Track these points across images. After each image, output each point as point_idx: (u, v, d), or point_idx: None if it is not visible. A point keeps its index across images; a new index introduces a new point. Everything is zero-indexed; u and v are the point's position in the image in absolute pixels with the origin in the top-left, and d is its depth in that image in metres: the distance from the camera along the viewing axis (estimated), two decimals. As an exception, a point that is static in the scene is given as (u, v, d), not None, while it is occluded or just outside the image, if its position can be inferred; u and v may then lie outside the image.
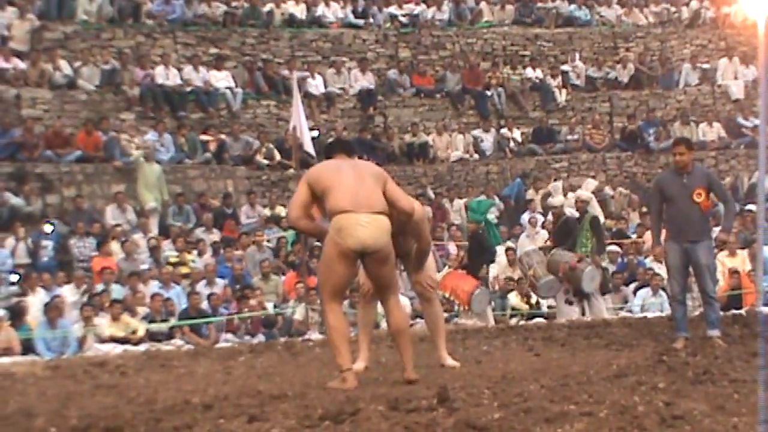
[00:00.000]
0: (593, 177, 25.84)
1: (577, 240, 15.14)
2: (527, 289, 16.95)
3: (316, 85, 25.49)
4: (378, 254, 8.26)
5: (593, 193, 16.11)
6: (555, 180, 24.53)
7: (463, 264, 16.23)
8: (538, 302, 17.42)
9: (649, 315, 15.93)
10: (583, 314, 15.05)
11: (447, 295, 15.12)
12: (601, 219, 16.00)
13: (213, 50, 25.14)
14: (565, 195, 17.52)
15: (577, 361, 9.49)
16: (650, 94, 27.89)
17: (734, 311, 14.95)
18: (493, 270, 19.29)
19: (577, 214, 15.53)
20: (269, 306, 17.90)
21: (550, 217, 18.07)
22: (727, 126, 26.90)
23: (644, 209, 22.79)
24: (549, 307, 17.13)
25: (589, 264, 14.77)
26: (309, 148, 18.29)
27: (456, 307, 15.64)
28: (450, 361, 9.58)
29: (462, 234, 21.64)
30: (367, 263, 8.39)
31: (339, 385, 8.06)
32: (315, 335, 15.47)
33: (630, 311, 17.53)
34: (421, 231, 9.26)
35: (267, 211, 22.19)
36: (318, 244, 19.60)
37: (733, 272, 18.00)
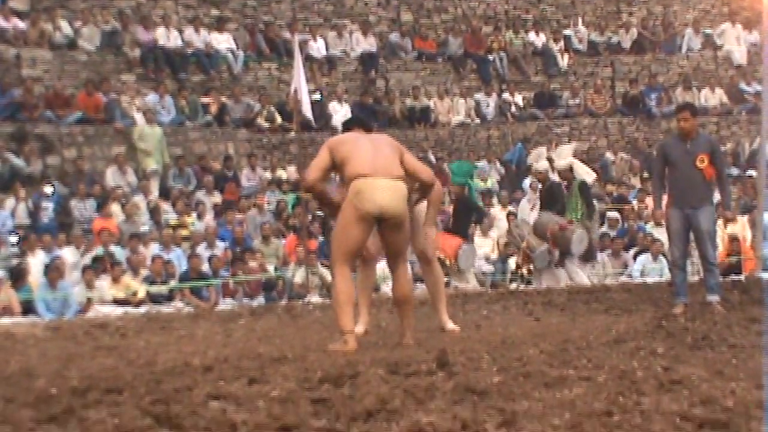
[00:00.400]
0: (594, 141, 25.85)
1: (567, 206, 15.13)
2: (520, 260, 16.91)
3: (317, 48, 25.43)
4: (394, 220, 8.35)
5: (575, 156, 15.93)
6: (556, 145, 24.51)
7: (449, 226, 16.12)
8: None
9: (649, 280, 15.95)
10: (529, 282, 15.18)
11: (440, 255, 15.12)
12: (589, 179, 15.84)
13: (214, 12, 25.07)
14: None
15: (577, 326, 9.51)
16: (652, 59, 27.80)
17: (734, 277, 14.97)
18: (493, 234, 19.31)
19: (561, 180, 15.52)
20: (270, 269, 17.92)
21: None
22: (729, 92, 26.82)
23: (645, 174, 22.81)
24: (529, 272, 17.14)
25: (579, 227, 14.77)
26: (308, 112, 18.26)
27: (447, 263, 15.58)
28: (450, 326, 9.61)
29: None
30: (382, 228, 8.45)
31: (340, 347, 8.10)
32: (315, 298, 15.51)
33: (630, 277, 17.55)
34: (438, 194, 9.45)
35: (268, 174, 22.18)
36: (320, 213, 19.73)
37: (733, 239, 18.00)
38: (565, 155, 15.42)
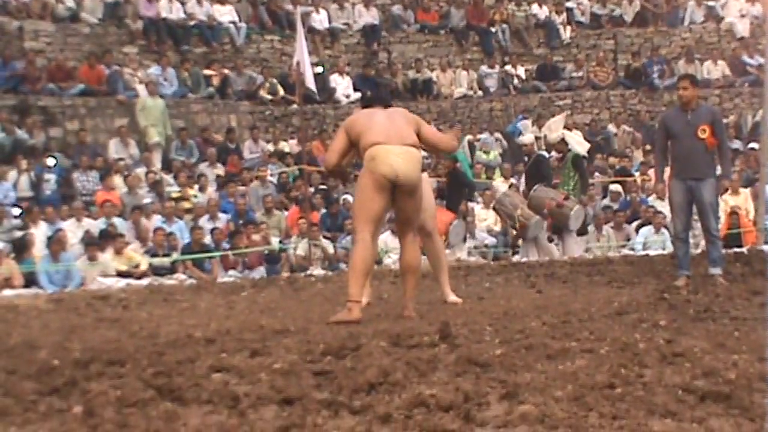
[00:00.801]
0: (597, 114, 25.80)
1: (561, 178, 15.13)
2: (510, 230, 16.89)
3: (320, 20, 25.39)
4: (408, 185, 8.47)
5: (566, 127, 15.88)
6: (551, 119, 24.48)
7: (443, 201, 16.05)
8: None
9: (651, 253, 15.94)
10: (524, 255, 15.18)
11: None
12: (582, 150, 15.80)
13: (217, -16, 25.01)
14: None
15: (579, 299, 9.52)
16: (655, 32, 27.73)
17: (736, 249, 14.96)
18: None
19: (551, 154, 15.50)
20: (274, 241, 17.92)
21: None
22: (732, 64, 26.75)
23: (648, 147, 22.76)
24: (514, 246, 17.19)
25: (576, 202, 14.75)
26: (311, 84, 18.25)
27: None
28: (453, 297, 9.65)
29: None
30: (396, 194, 8.53)
31: (344, 315, 8.18)
32: (317, 271, 15.51)
33: (632, 249, 17.55)
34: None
35: (270, 147, 22.16)
36: (322, 187, 19.74)
37: (733, 212, 17.98)
38: (555, 128, 15.38)
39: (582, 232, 15.71)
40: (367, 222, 8.46)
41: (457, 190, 15.77)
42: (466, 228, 16.43)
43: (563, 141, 15.13)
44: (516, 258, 16.10)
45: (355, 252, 8.51)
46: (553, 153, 15.62)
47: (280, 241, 17.96)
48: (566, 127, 16.17)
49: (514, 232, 16.74)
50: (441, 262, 9.84)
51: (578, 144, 15.76)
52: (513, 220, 15.25)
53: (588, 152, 22.89)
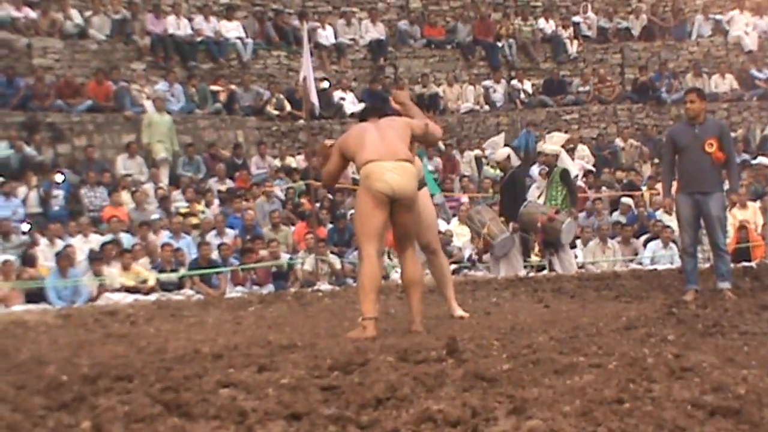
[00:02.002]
0: (604, 128, 25.80)
1: (547, 193, 15.15)
2: (479, 247, 16.81)
3: (326, 36, 25.46)
4: (405, 200, 8.51)
5: (563, 147, 15.93)
6: (560, 130, 24.51)
7: None
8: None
9: (660, 267, 15.93)
10: (551, 269, 15.09)
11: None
12: (573, 171, 15.88)
13: (224, 0, 25.08)
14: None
15: (587, 313, 9.50)
16: (662, 46, 27.75)
17: (744, 264, 14.94)
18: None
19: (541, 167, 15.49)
20: (284, 257, 17.90)
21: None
22: (740, 78, 26.74)
23: (656, 161, 22.75)
24: (482, 262, 17.13)
25: (566, 215, 14.78)
26: (314, 99, 18.27)
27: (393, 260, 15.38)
28: (459, 312, 9.65)
29: (473, 185, 21.68)
30: (394, 209, 8.56)
31: (359, 333, 8.18)
32: (324, 286, 15.51)
33: (640, 263, 17.53)
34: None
35: (277, 162, 22.19)
36: (329, 195, 19.75)
37: (741, 226, 17.95)
38: (556, 141, 15.44)
39: (571, 245, 15.76)
40: (369, 238, 8.49)
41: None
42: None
43: (556, 157, 15.18)
44: (481, 274, 16.11)
45: (361, 270, 8.55)
46: (541, 166, 15.63)
47: (290, 258, 17.94)
48: (569, 142, 16.17)
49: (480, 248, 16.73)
50: (446, 278, 9.88)
51: (571, 165, 15.84)
52: (480, 236, 15.25)
53: (594, 166, 22.95)
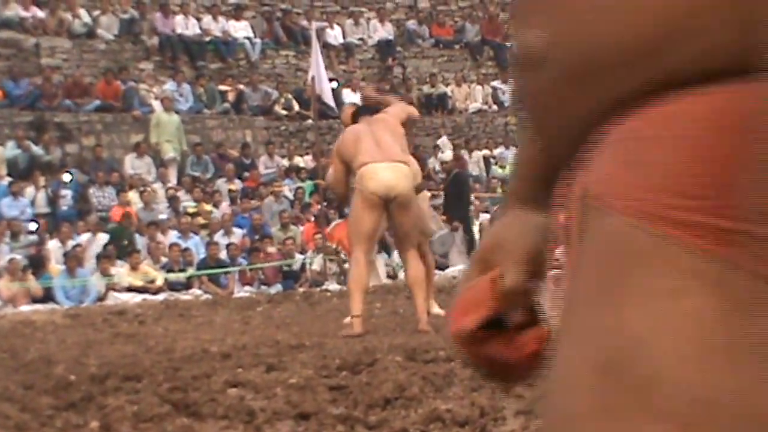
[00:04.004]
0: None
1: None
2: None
3: (334, 36, 25.43)
4: (400, 198, 8.55)
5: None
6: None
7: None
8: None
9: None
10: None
11: (335, 246, 14.94)
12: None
13: (232, 0, 25.08)
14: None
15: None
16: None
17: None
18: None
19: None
20: (299, 257, 17.86)
21: None
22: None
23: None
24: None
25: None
26: (328, 99, 18.33)
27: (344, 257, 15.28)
28: (437, 309, 9.77)
29: (480, 186, 21.67)
30: (391, 210, 8.62)
31: (348, 331, 8.38)
32: (333, 286, 15.52)
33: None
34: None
35: (285, 162, 22.18)
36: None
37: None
38: (450, 147, 15.48)
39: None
40: (358, 241, 8.63)
41: None
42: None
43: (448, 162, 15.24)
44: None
45: (350, 271, 8.75)
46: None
47: (304, 258, 17.90)
48: None
49: None
50: (430, 280, 10.02)
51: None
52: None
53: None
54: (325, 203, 18.58)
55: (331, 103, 19.30)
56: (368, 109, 9.43)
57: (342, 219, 16.38)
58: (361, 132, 8.79)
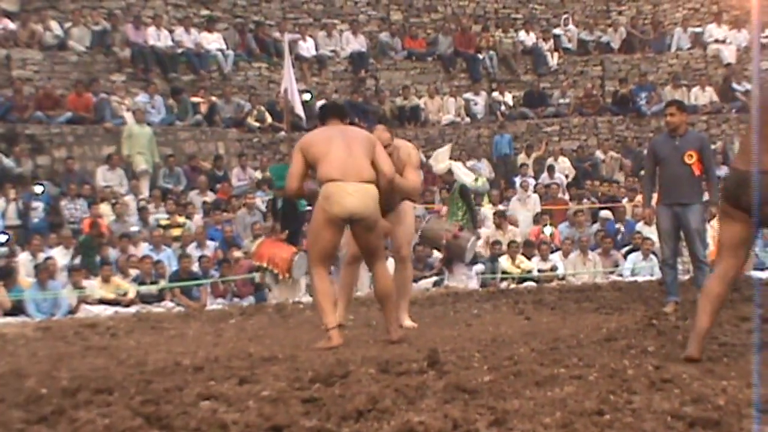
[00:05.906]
0: (584, 140, 25.84)
1: (449, 210, 15.13)
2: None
3: (307, 48, 25.46)
4: (364, 221, 8.47)
5: (452, 158, 15.95)
6: (547, 143, 24.58)
7: (277, 232, 15.45)
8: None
9: (640, 279, 15.98)
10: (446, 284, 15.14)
11: (264, 265, 14.70)
12: (469, 181, 15.84)
13: (204, 12, 25.08)
14: None
15: (567, 325, 9.51)
16: (642, 58, 27.82)
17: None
18: (483, 233, 19.33)
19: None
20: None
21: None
22: (720, 90, 26.80)
23: (630, 173, 22.82)
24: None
25: (470, 234, 14.74)
26: (299, 110, 18.34)
27: (271, 277, 15.06)
28: (408, 322, 9.86)
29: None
30: (354, 230, 8.61)
31: (325, 344, 8.26)
32: (305, 298, 15.49)
33: (620, 275, 17.56)
34: (408, 192, 9.58)
35: (258, 174, 22.15)
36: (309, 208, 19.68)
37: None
38: (442, 159, 15.45)
39: (473, 262, 15.81)
40: (318, 257, 8.55)
41: (293, 220, 15.29)
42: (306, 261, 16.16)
43: (449, 171, 15.16)
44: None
45: (313, 287, 8.65)
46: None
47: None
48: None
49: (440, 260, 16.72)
50: (407, 289, 10.08)
51: (465, 175, 15.81)
52: (441, 247, 14.93)
53: (575, 178, 22.98)
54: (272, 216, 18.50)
55: (302, 115, 19.33)
56: (338, 111, 9.20)
57: (265, 237, 16.19)
58: (333, 137, 8.60)
